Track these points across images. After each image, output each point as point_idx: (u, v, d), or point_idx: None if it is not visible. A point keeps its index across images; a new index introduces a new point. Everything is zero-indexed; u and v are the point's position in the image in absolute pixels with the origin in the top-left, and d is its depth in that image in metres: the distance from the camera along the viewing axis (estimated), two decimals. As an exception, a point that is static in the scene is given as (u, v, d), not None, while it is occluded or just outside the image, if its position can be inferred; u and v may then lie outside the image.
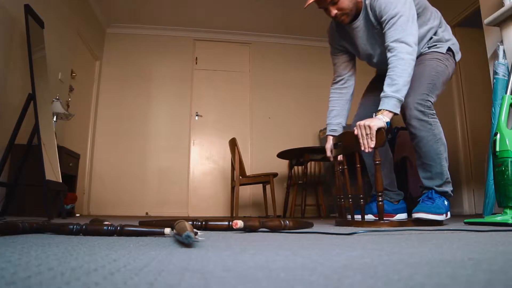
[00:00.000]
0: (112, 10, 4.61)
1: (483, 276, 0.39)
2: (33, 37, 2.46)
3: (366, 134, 1.45)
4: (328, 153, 1.80)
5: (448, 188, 1.65)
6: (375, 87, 1.84)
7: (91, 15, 4.40)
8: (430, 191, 1.64)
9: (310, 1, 1.57)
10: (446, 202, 1.63)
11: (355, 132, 1.49)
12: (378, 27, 1.63)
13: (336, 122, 1.87)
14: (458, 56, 1.78)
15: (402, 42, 1.50)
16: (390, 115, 1.48)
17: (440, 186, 1.64)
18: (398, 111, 1.50)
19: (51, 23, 3.13)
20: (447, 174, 1.64)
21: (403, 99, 1.50)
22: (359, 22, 1.68)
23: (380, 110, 1.49)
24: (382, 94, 1.51)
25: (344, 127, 1.88)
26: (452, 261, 0.50)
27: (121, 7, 4.55)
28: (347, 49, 1.87)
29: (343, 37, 1.83)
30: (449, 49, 1.72)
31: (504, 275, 0.40)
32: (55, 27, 3.33)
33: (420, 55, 1.72)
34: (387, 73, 1.52)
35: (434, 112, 1.60)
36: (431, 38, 1.73)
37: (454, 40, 1.77)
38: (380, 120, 1.45)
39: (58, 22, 3.43)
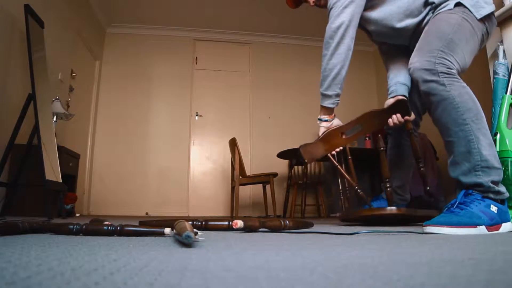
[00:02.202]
0: (112, 10, 4.61)
1: (483, 276, 0.39)
2: (33, 37, 2.46)
3: None
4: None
5: (486, 177, 1.14)
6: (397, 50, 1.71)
7: (91, 15, 4.40)
8: (463, 192, 1.17)
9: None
10: (494, 208, 1.12)
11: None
12: None
13: (393, 83, 1.64)
14: (479, 11, 1.31)
15: None
16: (322, 111, 1.55)
17: (468, 173, 1.16)
18: (327, 104, 1.53)
19: (51, 23, 3.13)
20: (480, 155, 1.15)
21: (328, 92, 1.51)
22: None
23: None
24: None
25: (405, 86, 1.62)
26: (452, 261, 0.50)
27: (121, 7, 4.55)
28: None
29: None
30: (459, 4, 1.34)
31: (504, 275, 0.40)
32: (55, 27, 3.33)
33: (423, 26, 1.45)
34: None
35: (454, 72, 1.21)
36: (428, 3, 1.41)
37: None
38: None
39: (58, 22, 3.43)
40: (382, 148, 1.49)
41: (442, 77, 1.20)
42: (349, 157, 1.60)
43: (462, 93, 1.19)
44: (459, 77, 1.22)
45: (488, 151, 1.16)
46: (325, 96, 1.53)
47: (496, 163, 1.17)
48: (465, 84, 1.23)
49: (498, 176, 1.16)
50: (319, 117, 1.57)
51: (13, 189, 2.41)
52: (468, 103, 1.19)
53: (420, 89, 1.26)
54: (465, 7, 1.33)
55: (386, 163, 1.49)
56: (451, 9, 1.34)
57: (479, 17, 1.32)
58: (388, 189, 1.47)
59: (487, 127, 1.21)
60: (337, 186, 1.83)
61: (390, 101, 1.63)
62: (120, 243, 0.75)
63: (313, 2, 1.66)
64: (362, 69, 5.20)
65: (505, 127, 1.61)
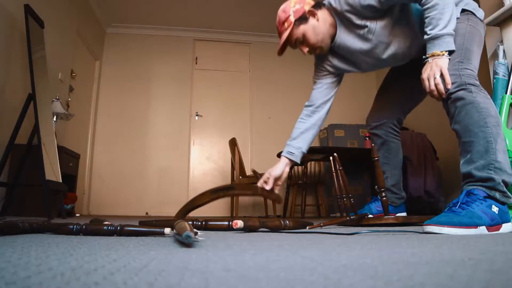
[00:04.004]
0: (112, 10, 4.61)
1: (483, 276, 0.39)
2: (33, 37, 2.46)
3: (435, 78, 1.27)
4: (265, 180, 1.59)
5: (497, 176, 1.17)
6: (397, 74, 1.75)
7: (91, 15, 4.40)
8: (465, 191, 1.19)
9: (281, 45, 1.51)
10: (495, 208, 1.14)
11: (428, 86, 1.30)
12: (366, 24, 1.43)
13: (297, 146, 1.69)
14: (480, 13, 1.44)
15: None
16: (445, 56, 1.27)
17: (481, 169, 1.19)
18: (454, 47, 1.29)
19: (51, 23, 3.13)
20: (496, 156, 1.18)
21: (454, 32, 1.29)
22: (339, 39, 1.52)
23: (429, 55, 1.29)
24: (426, 37, 1.30)
25: (303, 154, 1.69)
26: (452, 261, 0.50)
27: (121, 7, 4.55)
28: (336, 69, 1.68)
29: (336, 57, 1.66)
30: (464, 10, 1.41)
31: (504, 275, 0.40)
32: (55, 27, 3.33)
33: None
34: (426, 18, 1.30)
35: (478, 84, 1.28)
36: None
37: (467, 0, 1.45)
38: (444, 57, 1.26)
39: (58, 22, 3.43)
40: (376, 158, 1.47)
41: (469, 87, 1.26)
42: (340, 167, 1.58)
43: (486, 102, 1.25)
44: (483, 88, 1.28)
45: (503, 156, 1.21)
46: (449, 35, 1.28)
47: (508, 169, 1.21)
48: (489, 96, 1.29)
49: (508, 178, 1.20)
50: (445, 50, 1.28)
51: (13, 189, 2.41)
52: (490, 110, 1.25)
53: (450, 96, 1.29)
54: (468, 12, 1.40)
55: (381, 172, 1.48)
56: (458, 17, 1.37)
57: (482, 18, 1.43)
58: (384, 198, 1.47)
59: (503, 137, 1.26)
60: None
61: (278, 169, 1.60)
62: (120, 243, 0.75)
63: (307, 51, 1.56)
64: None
65: (505, 127, 1.61)
